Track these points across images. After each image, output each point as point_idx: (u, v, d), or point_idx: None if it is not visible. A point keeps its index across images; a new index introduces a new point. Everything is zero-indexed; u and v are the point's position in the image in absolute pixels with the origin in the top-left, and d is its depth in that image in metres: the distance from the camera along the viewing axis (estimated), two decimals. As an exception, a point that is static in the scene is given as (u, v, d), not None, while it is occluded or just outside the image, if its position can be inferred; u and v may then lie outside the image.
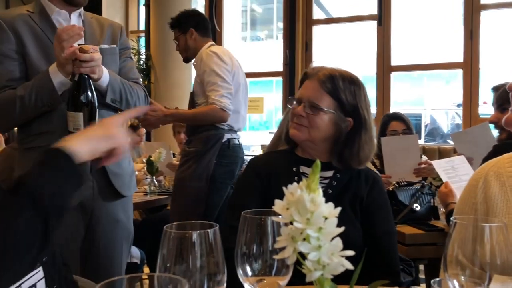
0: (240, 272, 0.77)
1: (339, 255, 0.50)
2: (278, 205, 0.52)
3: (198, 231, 0.69)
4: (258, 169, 1.42)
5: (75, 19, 1.71)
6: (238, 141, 2.73)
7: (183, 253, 0.68)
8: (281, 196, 0.54)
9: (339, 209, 0.51)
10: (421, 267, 2.67)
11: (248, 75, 5.85)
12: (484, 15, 4.39)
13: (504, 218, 1.10)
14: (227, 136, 2.65)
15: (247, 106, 2.88)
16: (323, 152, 1.43)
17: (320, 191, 0.51)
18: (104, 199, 1.71)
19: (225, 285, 0.72)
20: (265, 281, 0.77)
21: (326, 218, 0.50)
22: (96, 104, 1.50)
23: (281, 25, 5.20)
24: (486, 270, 0.71)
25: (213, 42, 2.83)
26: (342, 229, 0.51)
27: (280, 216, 0.53)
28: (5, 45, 1.57)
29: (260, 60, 8.05)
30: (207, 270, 0.70)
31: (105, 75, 1.62)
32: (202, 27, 2.78)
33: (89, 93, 1.49)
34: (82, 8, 1.73)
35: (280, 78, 5.25)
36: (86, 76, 1.49)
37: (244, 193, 1.41)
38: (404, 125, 2.90)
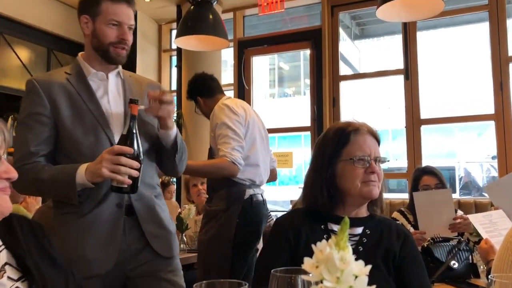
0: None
1: (371, 315, 0.49)
2: (307, 263, 0.51)
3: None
4: (285, 229, 1.40)
5: (113, 78, 1.70)
6: (262, 196, 2.58)
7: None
8: (310, 255, 0.54)
9: (369, 267, 0.50)
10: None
11: (277, 130, 5.94)
12: (513, 66, 4.37)
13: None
14: (249, 192, 2.50)
15: (269, 159, 2.74)
16: (365, 206, 1.44)
17: (350, 249, 0.51)
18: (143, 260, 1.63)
19: None
20: None
21: (356, 276, 0.49)
22: (142, 157, 1.48)
23: (308, 81, 5.30)
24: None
25: (228, 96, 2.76)
26: (373, 287, 0.50)
27: (310, 275, 0.52)
28: (38, 110, 1.56)
29: (288, 116, 8.16)
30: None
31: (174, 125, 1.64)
32: (206, 92, 2.72)
33: (136, 147, 1.46)
34: (120, 66, 1.72)
35: (308, 133, 5.28)
36: (134, 131, 1.46)
37: (271, 255, 1.39)
38: (437, 179, 2.83)
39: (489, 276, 0.71)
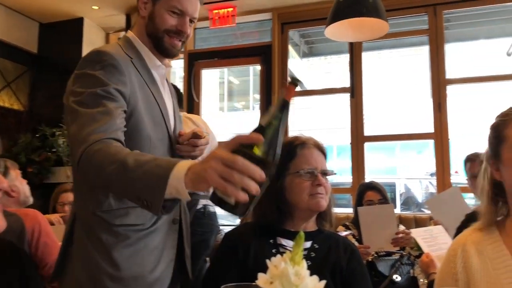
0: None
1: (325, 331, 0.48)
2: (261, 279, 0.50)
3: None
4: (234, 243, 1.39)
5: (163, 78, 1.49)
6: (214, 208, 2.60)
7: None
8: (259, 270, 0.53)
9: (324, 282, 0.50)
10: None
11: (225, 144, 5.91)
12: (450, 89, 4.62)
13: (485, 286, 1.10)
14: (202, 202, 2.52)
15: None
16: (314, 219, 1.46)
17: (305, 264, 0.50)
18: None
19: None
20: None
21: (311, 292, 0.49)
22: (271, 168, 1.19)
23: (257, 96, 5.34)
24: None
25: (183, 112, 2.79)
26: (327, 303, 0.50)
27: (262, 290, 0.51)
28: (119, 88, 1.26)
29: (238, 130, 8.16)
30: None
31: None
32: None
33: (271, 150, 0.99)
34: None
35: (257, 148, 5.30)
36: (280, 126, 0.97)
37: (220, 270, 1.37)
38: (380, 195, 2.93)
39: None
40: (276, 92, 5.05)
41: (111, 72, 1.27)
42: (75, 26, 5.31)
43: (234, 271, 1.32)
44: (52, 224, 2.58)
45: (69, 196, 3.00)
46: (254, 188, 0.85)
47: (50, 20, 5.38)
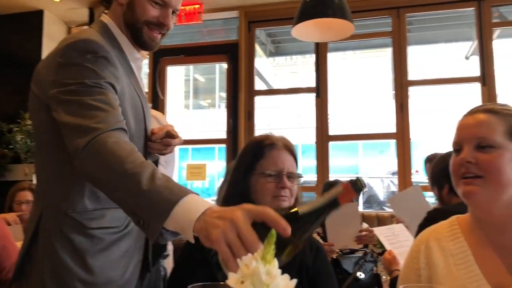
0: None
1: (295, 331, 0.48)
2: (232, 278, 0.49)
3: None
4: (201, 243, 1.37)
5: (140, 72, 1.40)
6: None
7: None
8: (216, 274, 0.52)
9: (294, 281, 0.49)
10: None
11: (191, 142, 5.87)
12: (412, 90, 4.75)
13: (446, 282, 1.13)
14: None
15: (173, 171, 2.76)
16: None
17: (276, 262, 0.49)
18: None
19: None
20: None
21: (282, 291, 0.48)
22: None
23: (223, 94, 5.32)
24: None
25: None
26: (298, 302, 0.49)
27: (232, 290, 0.50)
28: (112, 81, 1.18)
29: (203, 128, 8.11)
30: None
31: None
32: None
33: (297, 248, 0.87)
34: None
35: (223, 146, 5.28)
36: (313, 224, 0.86)
37: (186, 270, 1.35)
38: None
39: (400, 287, 0.74)
40: (243, 90, 5.04)
41: (104, 65, 1.18)
42: (35, 18, 5.12)
43: (201, 270, 1.30)
44: (8, 224, 2.47)
45: (27, 195, 2.89)
46: None
47: (8, 12, 5.17)
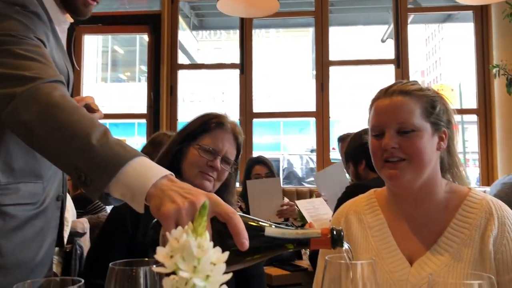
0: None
1: (226, 304, 0.46)
2: (160, 253, 0.46)
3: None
4: (122, 217, 1.32)
5: (64, 37, 1.26)
6: None
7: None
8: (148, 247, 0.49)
9: (227, 253, 0.48)
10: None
11: (109, 116, 5.62)
12: (332, 70, 4.89)
13: (364, 252, 1.19)
14: None
15: None
16: None
17: (208, 236, 0.47)
18: None
19: None
20: None
21: (214, 265, 0.46)
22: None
23: (144, 67, 5.13)
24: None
25: None
26: (230, 275, 0.48)
27: (160, 267, 0.48)
28: (44, 39, 1.05)
29: (122, 102, 7.79)
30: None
31: None
32: None
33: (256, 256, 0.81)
34: None
35: (143, 121, 5.12)
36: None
37: (107, 246, 1.30)
38: (267, 168, 3.05)
39: (326, 258, 0.76)
40: (165, 63, 4.88)
41: (34, 20, 1.05)
42: None
43: (123, 247, 1.26)
44: None
45: None
46: None
47: None
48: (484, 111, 4.66)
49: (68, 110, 0.86)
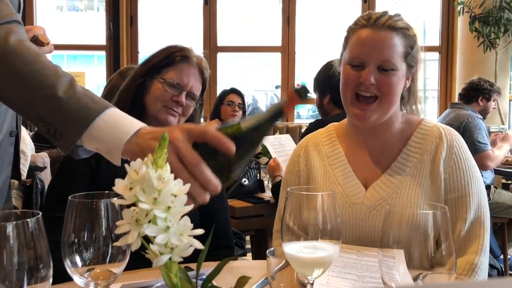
0: (68, 263, 0.69)
1: (188, 235, 0.47)
2: (119, 184, 0.45)
3: (15, 222, 0.58)
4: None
5: None
6: None
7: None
8: (111, 178, 0.48)
9: (188, 185, 0.48)
10: (247, 237, 2.83)
11: (66, 47, 5.35)
12: (299, 3, 4.78)
13: (322, 180, 1.23)
14: None
15: None
16: None
17: (168, 167, 0.47)
18: None
19: (50, 280, 0.62)
20: (98, 271, 0.71)
21: (175, 196, 0.46)
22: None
23: (102, -5, 4.85)
24: (317, 237, 0.75)
25: None
26: (191, 206, 0.48)
27: (120, 198, 0.47)
28: None
29: (80, 33, 7.42)
30: (27, 265, 0.59)
31: None
32: None
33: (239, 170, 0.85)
34: None
35: (102, 53, 4.91)
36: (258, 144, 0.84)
37: (68, 179, 1.28)
38: (241, 99, 3.15)
39: (288, 189, 0.78)
40: (125, 1, 4.62)
41: None
42: None
43: (84, 180, 1.24)
44: None
45: None
46: (202, 199, 0.69)
47: None
48: (446, 48, 4.72)
49: (27, 59, 0.79)
